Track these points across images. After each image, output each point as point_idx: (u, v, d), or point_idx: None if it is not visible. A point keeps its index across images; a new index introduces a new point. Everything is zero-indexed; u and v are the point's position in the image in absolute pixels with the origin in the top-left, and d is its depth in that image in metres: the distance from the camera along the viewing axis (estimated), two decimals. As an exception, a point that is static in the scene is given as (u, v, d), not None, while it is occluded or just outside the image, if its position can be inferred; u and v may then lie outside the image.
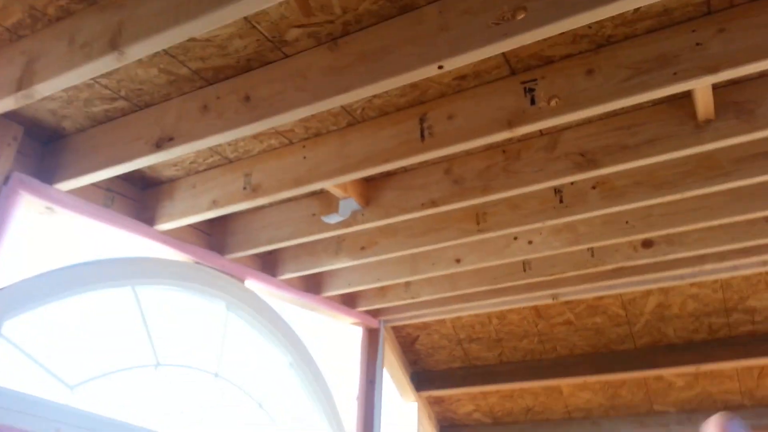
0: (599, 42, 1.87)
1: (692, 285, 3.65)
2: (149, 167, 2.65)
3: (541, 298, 3.67)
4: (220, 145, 2.46)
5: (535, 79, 1.93)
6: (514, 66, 1.97)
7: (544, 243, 2.86)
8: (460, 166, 2.41)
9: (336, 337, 4.08)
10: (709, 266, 3.25)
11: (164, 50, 1.93)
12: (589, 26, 1.81)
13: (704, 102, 1.90)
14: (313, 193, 2.78)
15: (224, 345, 3.00)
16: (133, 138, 2.20)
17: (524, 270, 3.27)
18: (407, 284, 3.48)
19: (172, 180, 2.75)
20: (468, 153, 2.42)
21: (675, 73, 1.73)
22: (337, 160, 2.24)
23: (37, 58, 1.86)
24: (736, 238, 2.94)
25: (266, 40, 1.88)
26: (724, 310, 3.75)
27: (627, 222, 2.75)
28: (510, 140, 2.32)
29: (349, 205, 2.54)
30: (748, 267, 3.28)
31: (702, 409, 4.21)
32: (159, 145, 2.11)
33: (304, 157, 2.33)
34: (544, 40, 1.84)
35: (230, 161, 2.58)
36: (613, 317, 3.94)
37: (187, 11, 1.56)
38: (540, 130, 2.27)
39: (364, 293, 3.62)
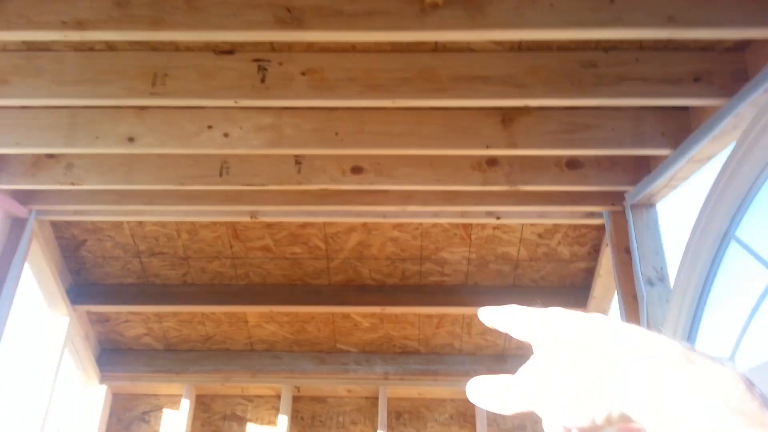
0: None
1: (394, 227, 3.56)
2: None
3: (238, 214, 3.22)
4: None
5: None
6: None
7: (243, 140, 2.39)
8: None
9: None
10: (412, 207, 3.15)
11: None
12: None
13: (436, -13, 1.61)
14: None
15: None
16: None
17: (221, 174, 2.78)
18: (69, 166, 2.71)
19: None
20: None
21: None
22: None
23: None
24: (441, 180, 2.85)
25: None
26: (419, 258, 3.76)
27: (337, 134, 2.42)
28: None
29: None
30: (448, 216, 3.27)
31: (381, 351, 4.25)
32: None
33: None
34: None
35: None
36: (313, 249, 3.69)
37: None
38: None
39: (8, 166, 2.75)
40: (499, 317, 0.53)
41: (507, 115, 2.38)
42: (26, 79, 2.01)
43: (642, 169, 2.78)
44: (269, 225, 3.53)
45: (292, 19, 1.62)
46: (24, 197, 2.98)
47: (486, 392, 0.50)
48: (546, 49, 2.11)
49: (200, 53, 2.06)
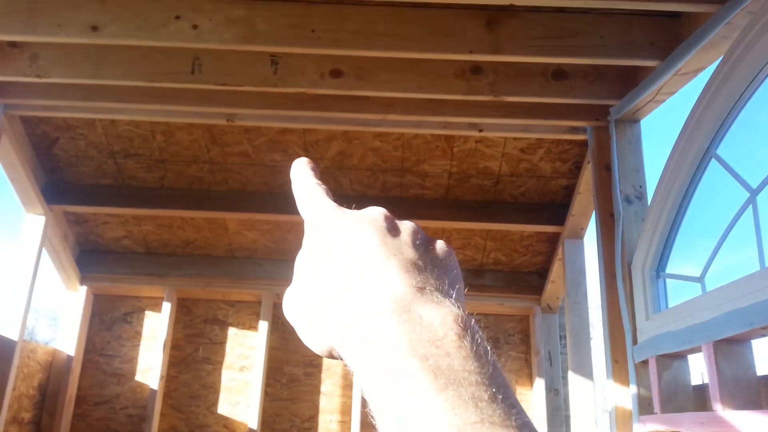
0: None
1: (375, 137, 3.49)
2: None
3: (214, 116, 3.13)
4: None
5: None
6: None
7: (213, 32, 2.27)
8: None
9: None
10: (393, 116, 3.07)
11: None
12: None
13: None
14: None
15: None
16: None
17: (192, 72, 2.67)
18: (33, 57, 2.59)
19: None
20: None
21: None
22: None
23: None
24: (424, 88, 2.76)
25: None
26: (400, 169, 3.71)
27: (314, 31, 2.31)
28: None
29: None
30: (430, 126, 3.19)
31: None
32: None
33: None
34: None
35: None
36: (293, 157, 3.59)
37: None
38: None
39: (-31, 56, 2.62)
40: (294, 180, 0.45)
41: (492, 17, 2.27)
42: (-25, -46, 1.87)
43: (628, 83, 2.69)
44: (247, 130, 3.45)
45: None
46: (-11, 89, 2.87)
47: None
48: (535, -55, 1.98)
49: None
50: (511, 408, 0.27)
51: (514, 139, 3.38)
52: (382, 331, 0.31)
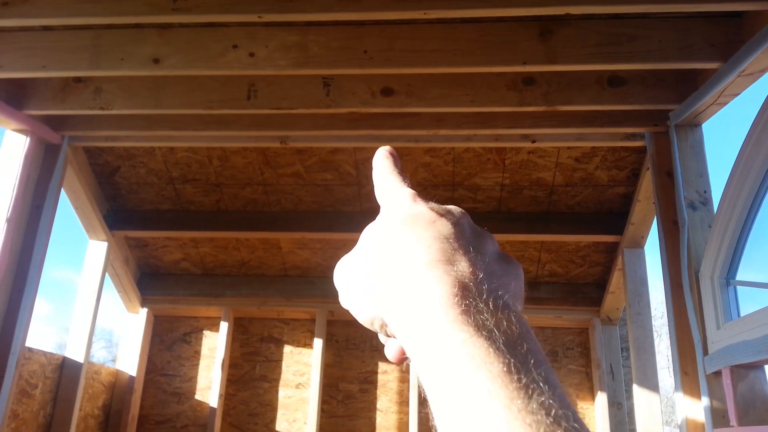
0: None
1: (426, 152, 3.49)
2: None
3: (268, 140, 3.19)
4: None
5: None
6: None
7: (269, 59, 2.32)
8: None
9: None
10: (444, 131, 3.06)
11: None
12: None
13: None
14: None
15: None
16: None
17: (248, 98, 2.72)
18: (97, 90, 2.69)
19: None
20: None
21: None
22: None
23: None
24: (475, 101, 2.74)
25: None
26: (451, 184, 3.70)
27: (366, 52, 2.33)
28: None
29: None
30: (481, 140, 3.17)
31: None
32: None
33: None
34: None
35: None
36: (344, 175, 3.66)
37: None
38: None
39: (38, 92, 2.75)
40: (374, 167, 0.46)
41: (546, 27, 2.24)
42: (45, -4, 1.96)
43: (687, 86, 2.62)
44: (300, 151, 3.50)
45: None
46: (56, 123, 3.00)
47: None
48: (589, -47, 1.95)
49: (221, -34, 1.97)
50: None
51: (568, 148, 3.32)
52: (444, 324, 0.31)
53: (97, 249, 3.68)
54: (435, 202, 0.41)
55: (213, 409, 4.10)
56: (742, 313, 2.49)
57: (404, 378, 4.22)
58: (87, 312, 3.62)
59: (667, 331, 2.80)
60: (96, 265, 3.66)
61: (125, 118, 2.96)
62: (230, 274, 4.32)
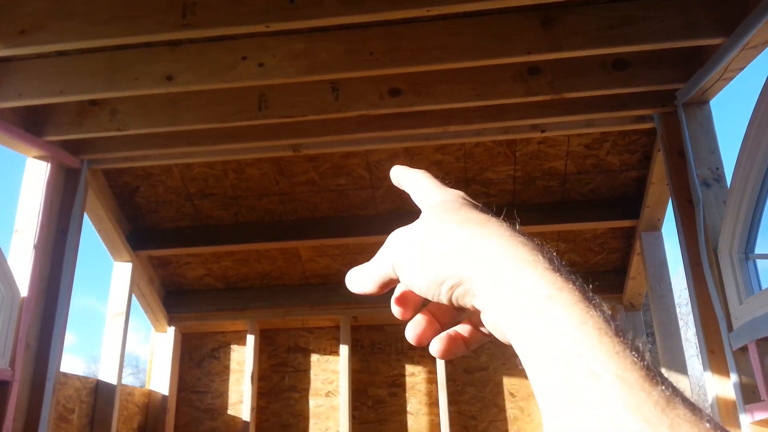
0: None
1: (437, 150, 3.53)
2: None
3: (281, 149, 3.24)
4: None
5: None
6: None
7: (278, 68, 2.38)
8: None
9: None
10: (454, 127, 3.10)
11: None
12: None
13: None
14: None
15: None
16: None
17: (260, 108, 2.78)
18: (113, 112, 2.77)
19: None
20: None
21: None
22: None
23: None
24: (482, 95, 2.78)
25: None
26: (464, 180, 3.73)
27: (372, 53, 2.38)
28: None
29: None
30: (491, 133, 3.20)
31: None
32: None
33: None
34: None
35: None
36: (358, 179, 3.71)
37: None
38: None
39: (55, 117, 2.83)
40: (395, 178, 0.53)
41: (548, 16, 2.28)
42: (61, 23, 2.03)
43: (693, 64, 2.64)
44: (312, 158, 3.55)
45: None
46: (74, 147, 3.08)
47: (354, 277, 0.48)
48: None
49: (226, -20, 2.03)
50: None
51: (578, 135, 3.34)
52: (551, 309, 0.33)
53: (123, 270, 3.75)
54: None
55: (246, 423, 4.14)
56: (764, 286, 2.49)
57: (432, 379, 4.24)
58: (117, 334, 3.68)
59: (692, 317, 2.80)
60: (122, 287, 3.73)
61: (141, 138, 3.03)
62: (253, 286, 4.37)
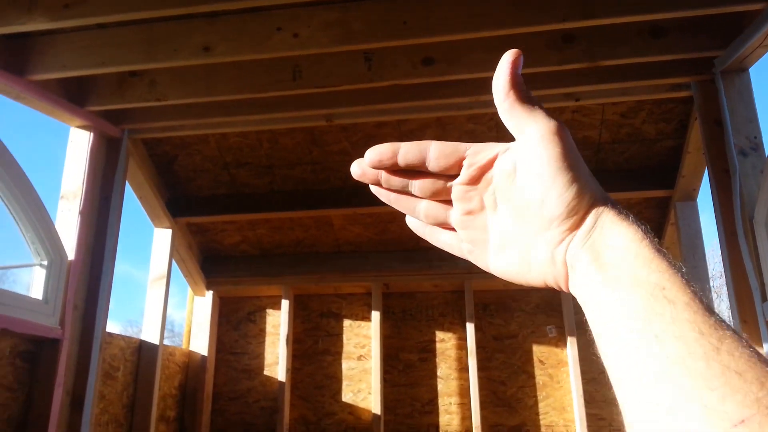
0: None
1: (469, 119, 3.53)
2: None
3: (314, 119, 3.29)
4: None
5: None
6: None
7: (312, 38, 2.41)
8: None
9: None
10: (485, 97, 3.09)
11: None
12: None
13: None
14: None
15: None
16: None
17: (294, 79, 2.83)
18: (152, 83, 2.85)
19: None
20: None
21: None
22: None
23: None
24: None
25: None
26: (496, 149, 3.72)
27: (405, 23, 2.39)
28: None
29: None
30: (523, 102, 3.18)
31: (463, 246, 4.33)
32: None
33: None
34: None
35: None
36: (390, 148, 3.73)
37: None
38: None
39: (97, 88, 2.92)
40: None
41: (582, -17, 2.25)
42: (102, -4, 2.10)
43: (731, 30, 2.58)
44: (345, 128, 3.59)
45: None
46: (115, 117, 3.18)
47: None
48: None
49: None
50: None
51: (613, 104, 3.31)
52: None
53: (163, 236, 3.89)
54: None
55: (282, 384, 4.30)
56: (801, 257, 2.47)
57: (462, 345, 4.31)
58: (159, 297, 3.83)
59: (725, 290, 2.79)
60: (163, 252, 3.87)
61: (179, 108, 3.11)
62: (287, 253, 4.48)
